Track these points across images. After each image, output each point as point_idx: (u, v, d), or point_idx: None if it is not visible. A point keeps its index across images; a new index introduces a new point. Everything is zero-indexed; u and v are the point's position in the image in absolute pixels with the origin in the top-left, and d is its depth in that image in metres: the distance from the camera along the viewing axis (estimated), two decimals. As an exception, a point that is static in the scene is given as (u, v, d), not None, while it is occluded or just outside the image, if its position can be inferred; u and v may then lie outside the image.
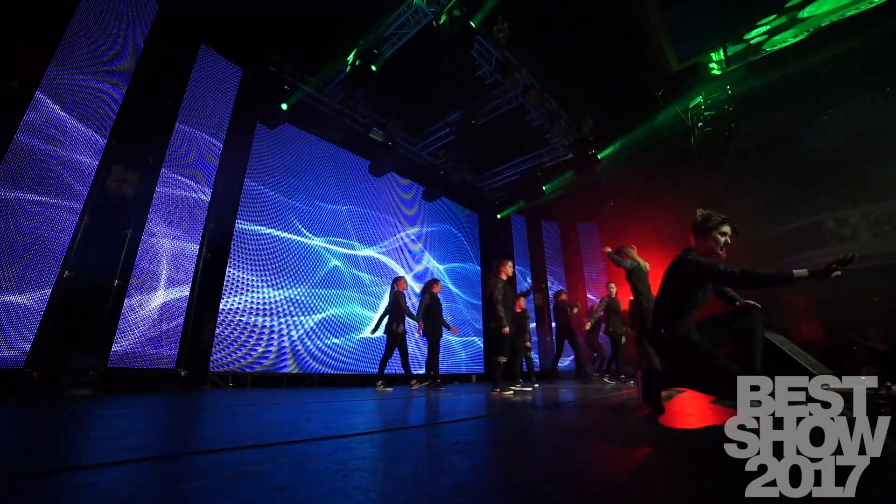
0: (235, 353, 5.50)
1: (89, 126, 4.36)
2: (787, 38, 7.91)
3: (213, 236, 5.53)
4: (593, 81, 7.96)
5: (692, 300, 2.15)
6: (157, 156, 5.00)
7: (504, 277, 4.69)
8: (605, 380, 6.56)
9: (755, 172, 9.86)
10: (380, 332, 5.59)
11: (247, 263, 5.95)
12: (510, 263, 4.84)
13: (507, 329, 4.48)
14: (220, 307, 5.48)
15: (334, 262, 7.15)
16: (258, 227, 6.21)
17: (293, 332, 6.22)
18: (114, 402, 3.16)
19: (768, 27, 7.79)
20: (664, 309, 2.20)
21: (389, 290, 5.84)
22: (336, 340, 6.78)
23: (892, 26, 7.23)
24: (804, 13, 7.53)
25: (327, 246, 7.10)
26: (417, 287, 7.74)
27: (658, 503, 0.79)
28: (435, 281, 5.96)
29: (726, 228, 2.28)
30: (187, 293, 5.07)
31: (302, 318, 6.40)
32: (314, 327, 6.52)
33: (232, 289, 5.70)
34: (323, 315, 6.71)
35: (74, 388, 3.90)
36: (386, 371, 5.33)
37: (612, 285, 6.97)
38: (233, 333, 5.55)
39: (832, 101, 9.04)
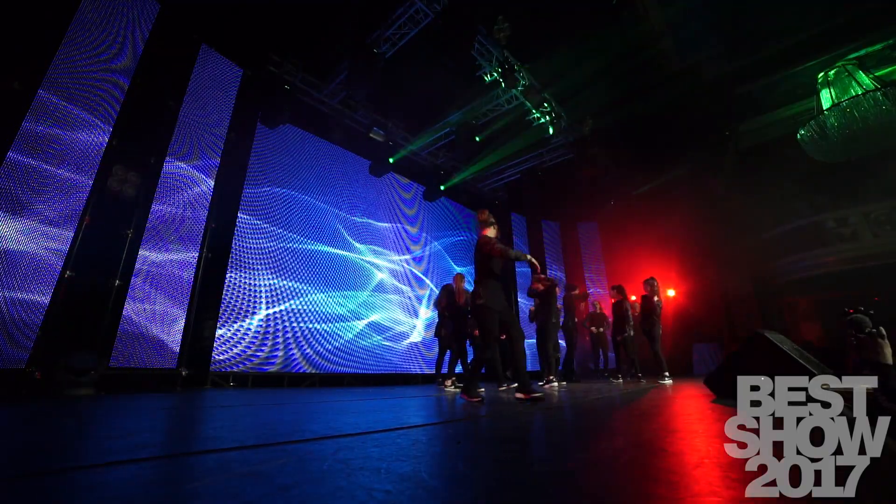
0: (239, 354, 5.51)
1: (90, 126, 4.37)
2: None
3: (213, 236, 5.54)
4: (594, 81, 7.97)
5: (489, 268, 3.30)
6: (158, 156, 5.01)
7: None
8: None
9: (755, 172, 9.86)
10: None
11: (247, 263, 5.96)
12: None
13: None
14: (221, 306, 5.49)
15: (333, 261, 7.15)
16: (259, 227, 6.21)
17: (293, 331, 6.23)
18: (115, 402, 3.17)
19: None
20: (478, 274, 3.38)
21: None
22: (336, 340, 6.78)
23: (893, 25, 7.23)
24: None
25: (327, 246, 7.11)
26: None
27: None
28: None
29: (492, 224, 3.54)
30: (188, 293, 5.07)
31: (302, 316, 6.41)
32: (314, 327, 6.53)
33: (232, 288, 5.71)
34: (323, 315, 6.72)
35: (76, 387, 3.91)
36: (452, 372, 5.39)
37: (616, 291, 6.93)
38: (236, 334, 5.56)
39: (832, 101, 9.03)
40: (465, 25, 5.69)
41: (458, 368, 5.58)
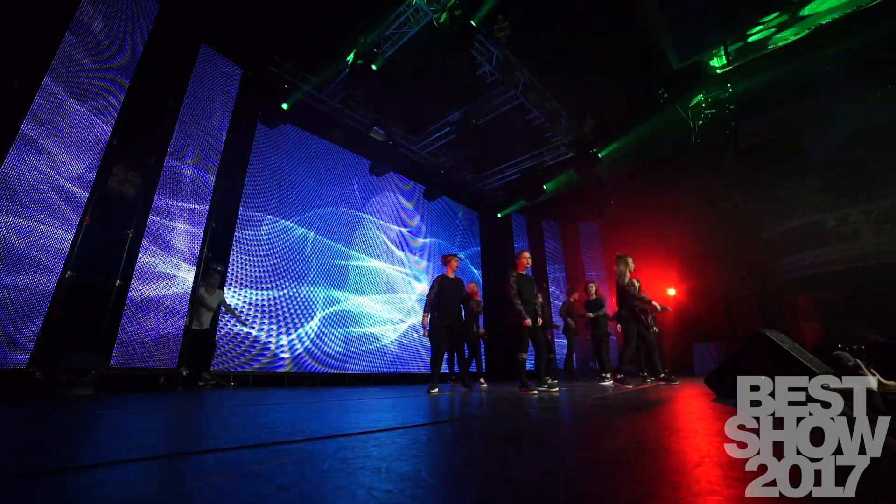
0: (240, 357, 5.51)
1: (90, 126, 4.37)
2: (789, 36, 7.90)
3: (214, 236, 5.54)
4: (594, 80, 7.96)
5: (437, 298, 4.58)
6: (158, 156, 5.01)
7: (521, 270, 4.52)
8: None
9: (756, 171, 9.85)
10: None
11: (247, 263, 5.96)
12: (526, 254, 4.64)
13: (528, 321, 4.17)
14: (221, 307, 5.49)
15: (334, 260, 7.16)
16: (259, 227, 6.21)
17: (294, 331, 6.23)
18: (115, 402, 3.17)
19: (770, 24, 7.78)
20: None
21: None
22: (336, 339, 6.78)
23: (894, 24, 7.22)
24: (805, 11, 7.52)
25: (328, 245, 7.11)
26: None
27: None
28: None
29: (454, 261, 4.84)
30: (189, 293, 5.08)
31: (302, 317, 6.41)
32: (314, 327, 6.53)
33: (233, 287, 5.71)
34: (323, 314, 6.72)
35: (76, 387, 3.91)
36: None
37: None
38: (238, 336, 5.56)
39: (833, 99, 9.01)
40: (464, 25, 5.68)
41: (456, 368, 5.60)
